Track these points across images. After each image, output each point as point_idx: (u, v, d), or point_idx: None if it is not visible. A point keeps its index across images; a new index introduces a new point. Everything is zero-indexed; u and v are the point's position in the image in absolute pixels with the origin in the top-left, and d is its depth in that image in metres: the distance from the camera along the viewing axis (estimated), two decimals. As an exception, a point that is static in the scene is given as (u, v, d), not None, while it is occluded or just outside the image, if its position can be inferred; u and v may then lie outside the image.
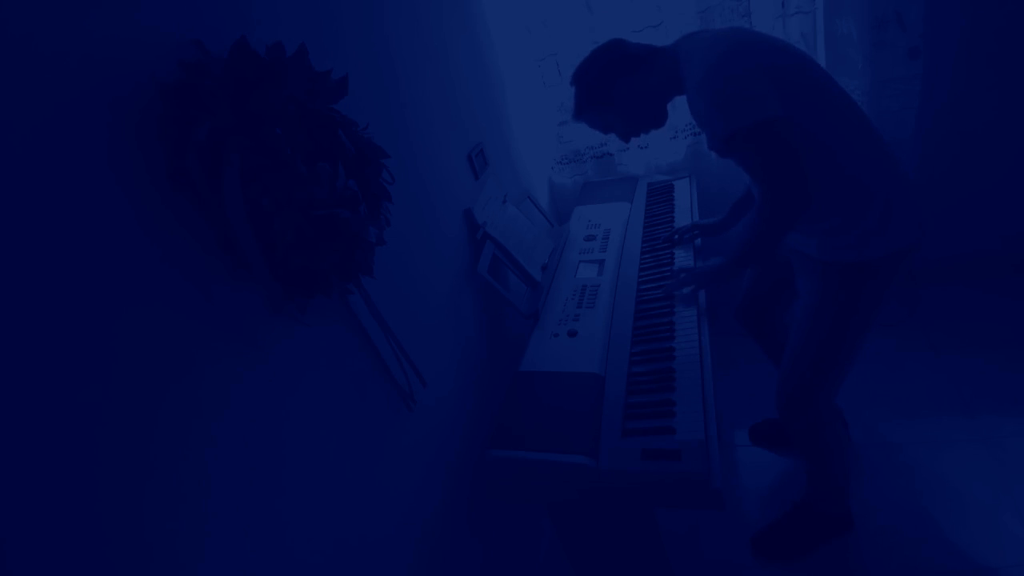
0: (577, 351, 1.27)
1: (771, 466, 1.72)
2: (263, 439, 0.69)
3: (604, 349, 1.26)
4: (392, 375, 0.97)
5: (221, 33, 0.67)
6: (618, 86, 1.23)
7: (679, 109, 1.94)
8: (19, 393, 0.45)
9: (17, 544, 0.43)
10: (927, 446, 1.61)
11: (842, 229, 1.12)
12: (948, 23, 1.68)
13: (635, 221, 1.76)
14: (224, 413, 0.64)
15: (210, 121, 0.58)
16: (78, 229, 0.51)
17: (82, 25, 0.53)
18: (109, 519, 0.50)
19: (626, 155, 2.10)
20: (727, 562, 1.50)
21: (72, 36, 0.52)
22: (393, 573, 0.92)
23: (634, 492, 1.01)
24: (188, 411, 0.59)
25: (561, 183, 2.21)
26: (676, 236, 1.58)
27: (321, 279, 0.73)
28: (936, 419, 1.68)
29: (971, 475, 1.51)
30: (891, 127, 1.76)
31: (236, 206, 0.60)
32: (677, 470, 0.95)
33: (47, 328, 0.47)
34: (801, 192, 1.04)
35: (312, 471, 0.77)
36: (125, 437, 0.52)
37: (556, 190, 2.24)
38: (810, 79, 1.09)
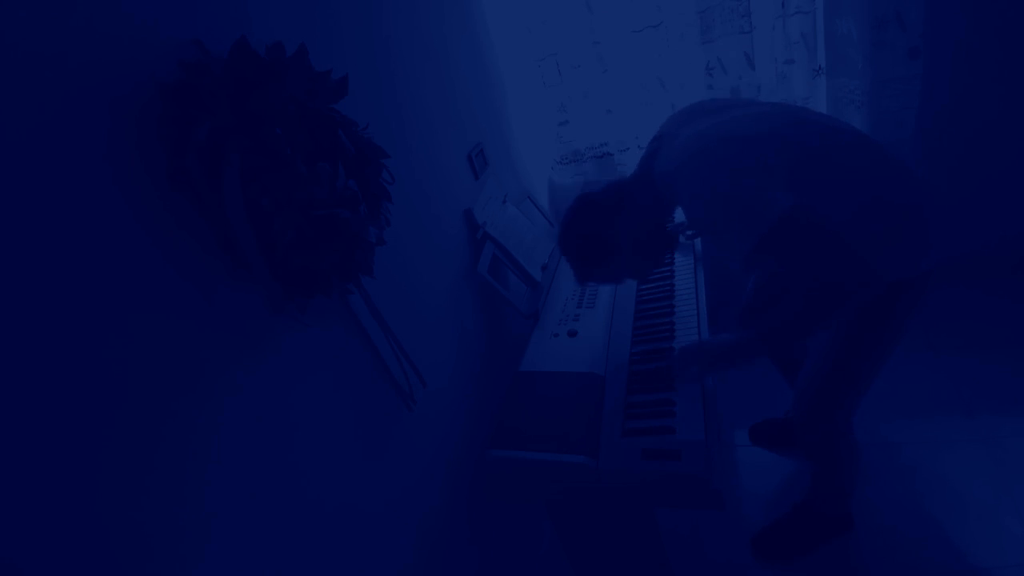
0: (577, 351, 1.27)
1: (771, 466, 1.71)
2: (263, 439, 0.69)
3: (604, 349, 1.26)
4: (392, 375, 0.97)
5: (221, 33, 0.67)
6: (610, 239, 1.16)
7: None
8: (19, 394, 0.45)
9: (21, 542, 0.43)
10: (927, 446, 1.61)
11: (878, 250, 1.02)
12: (948, 23, 1.68)
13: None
14: (224, 413, 0.64)
15: (210, 121, 0.58)
16: (78, 229, 0.51)
17: (82, 25, 0.53)
18: (111, 519, 0.50)
19: (626, 155, 2.10)
20: (727, 562, 1.50)
21: (72, 36, 0.52)
22: (392, 572, 0.92)
23: (634, 492, 1.01)
24: (188, 411, 0.59)
25: (561, 183, 2.21)
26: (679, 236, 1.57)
27: (321, 279, 0.73)
28: (936, 419, 1.68)
29: (971, 475, 1.51)
30: (891, 127, 1.76)
31: (236, 206, 0.60)
32: (677, 470, 0.95)
33: (46, 328, 0.47)
34: (858, 267, 0.96)
35: (312, 470, 0.77)
36: (125, 437, 0.52)
37: (556, 190, 2.24)
38: (802, 145, 1.01)
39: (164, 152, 0.59)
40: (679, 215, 1.68)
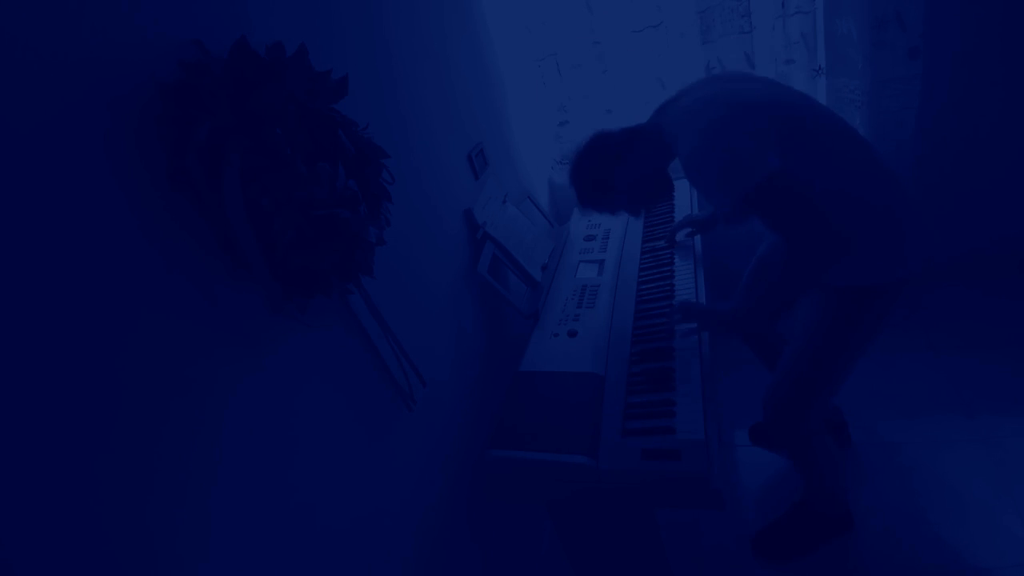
0: (577, 351, 1.27)
1: (771, 466, 1.71)
2: (263, 439, 0.69)
3: (604, 349, 1.26)
4: (392, 375, 0.97)
5: (221, 33, 0.67)
6: (615, 175, 1.27)
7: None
8: (19, 394, 0.45)
9: (24, 542, 0.43)
10: (927, 446, 1.61)
11: (859, 255, 1.08)
12: (948, 23, 1.68)
13: (635, 221, 1.76)
14: (224, 413, 0.64)
15: (210, 121, 0.58)
16: (78, 229, 0.51)
17: (82, 25, 0.53)
18: (113, 519, 0.50)
19: (626, 155, 2.10)
20: (727, 562, 1.50)
21: (72, 36, 0.52)
22: (391, 572, 0.92)
23: (634, 492, 1.01)
24: (189, 410, 0.59)
25: (561, 183, 2.21)
26: (675, 237, 1.58)
27: (321, 279, 0.73)
28: (936, 419, 1.68)
29: (971, 475, 1.51)
30: (891, 127, 1.76)
31: (236, 206, 0.60)
32: (677, 470, 0.95)
33: (47, 328, 0.47)
34: (830, 238, 1.00)
35: (312, 470, 0.77)
36: (126, 436, 0.52)
37: (556, 190, 2.24)
38: (799, 120, 1.07)
39: (164, 152, 0.59)
40: (681, 216, 1.70)
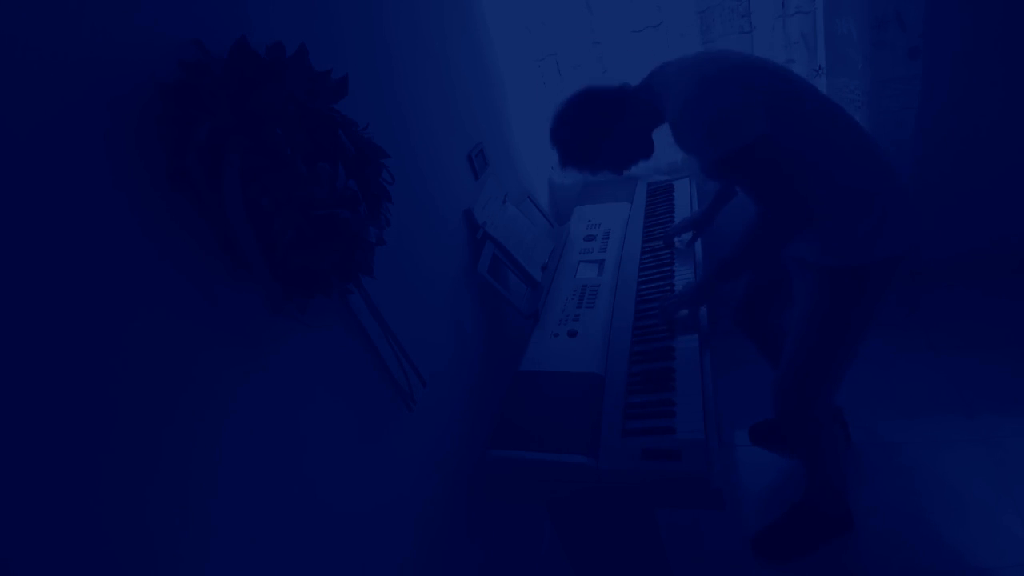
0: (577, 351, 1.27)
1: (771, 466, 1.71)
2: (263, 438, 0.69)
3: (604, 349, 1.26)
4: (392, 375, 0.97)
5: (221, 33, 0.67)
6: (603, 137, 1.25)
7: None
8: (19, 393, 0.45)
9: (23, 542, 0.43)
10: (927, 446, 1.61)
11: (838, 234, 1.12)
12: (948, 23, 1.68)
13: (635, 221, 1.76)
14: (224, 413, 0.64)
15: (210, 121, 0.58)
16: (78, 229, 0.51)
17: (82, 25, 0.53)
18: (114, 518, 0.50)
19: (626, 155, 2.10)
20: (727, 562, 1.50)
21: (72, 36, 0.52)
22: (393, 571, 0.92)
23: (634, 492, 1.01)
24: (189, 410, 0.59)
25: (561, 183, 2.21)
26: (675, 239, 1.58)
27: (321, 279, 0.73)
28: (936, 419, 1.68)
29: (971, 475, 1.51)
30: (891, 127, 1.76)
31: (236, 206, 0.60)
32: (677, 470, 0.95)
33: (47, 327, 0.47)
34: (799, 208, 1.04)
35: (312, 469, 0.77)
36: (126, 436, 0.52)
37: (556, 190, 2.24)
38: (789, 92, 1.08)
39: (164, 152, 0.59)
40: (680, 216, 1.70)
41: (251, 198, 0.61)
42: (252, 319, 0.70)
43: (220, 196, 0.59)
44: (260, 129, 0.62)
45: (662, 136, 1.94)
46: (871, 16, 1.63)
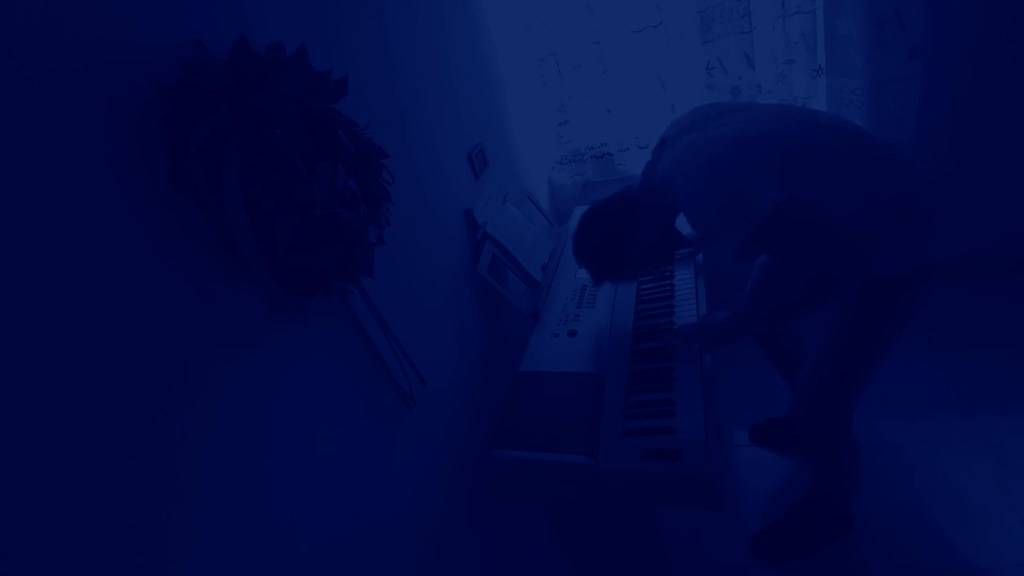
0: (577, 351, 1.27)
1: (771, 466, 1.72)
2: (263, 438, 0.69)
3: (604, 349, 1.26)
4: (392, 375, 0.97)
5: (221, 33, 0.67)
6: (625, 249, 1.24)
7: (681, 109, 1.94)
8: (19, 392, 0.45)
9: (11, 538, 0.43)
10: (927, 446, 1.61)
11: (885, 243, 1.04)
12: (948, 23, 1.68)
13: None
14: (224, 412, 0.64)
15: (210, 121, 0.58)
16: (80, 229, 0.51)
17: (82, 26, 0.53)
18: (108, 516, 0.50)
19: (626, 155, 2.10)
20: (727, 562, 1.50)
21: (72, 37, 0.52)
22: (394, 571, 0.92)
23: (634, 492, 1.01)
24: (188, 410, 0.59)
25: (561, 183, 2.21)
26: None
27: (321, 279, 0.73)
28: (936, 419, 1.68)
29: (971, 475, 1.51)
30: (891, 127, 1.76)
31: (236, 206, 0.60)
32: (677, 470, 0.95)
33: (48, 327, 0.47)
34: (850, 259, 0.98)
35: (312, 470, 0.77)
36: (123, 436, 0.52)
37: (556, 190, 2.24)
38: (805, 147, 1.03)
39: (164, 152, 0.59)
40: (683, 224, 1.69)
41: (251, 198, 0.61)
42: (252, 319, 0.70)
43: (220, 196, 0.59)
44: (260, 129, 0.62)
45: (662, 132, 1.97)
46: (871, 16, 1.63)
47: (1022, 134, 1.82)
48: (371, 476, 0.90)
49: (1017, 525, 1.38)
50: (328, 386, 0.83)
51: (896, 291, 1.09)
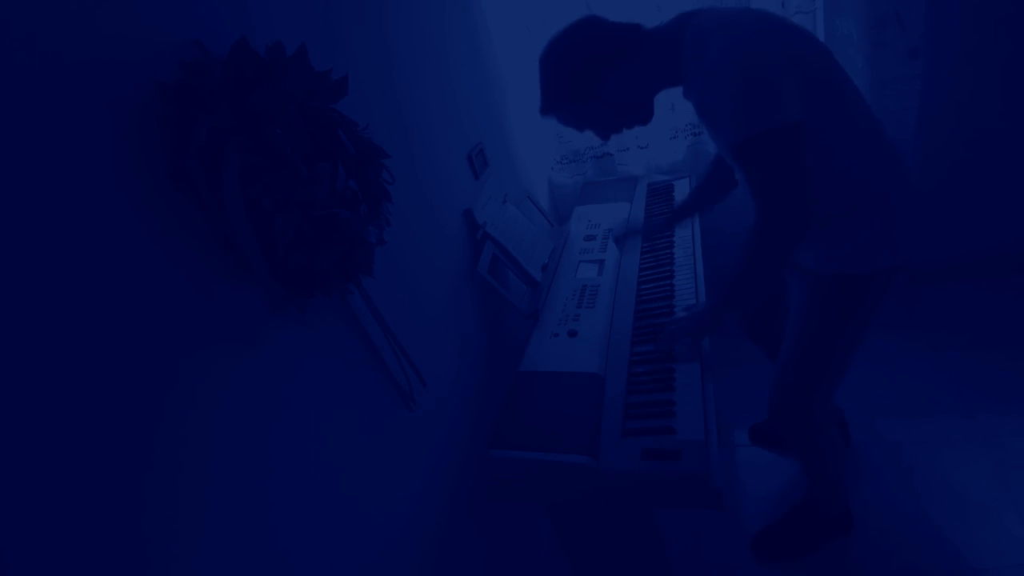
0: (577, 351, 1.27)
1: (771, 466, 1.72)
2: (263, 438, 0.69)
3: (604, 349, 1.26)
4: (392, 375, 0.97)
5: (221, 33, 0.67)
6: (607, 83, 1.05)
7: (681, 109, 1.94)
8: (19, 391, 0.45)
9: (16, 536, 0.43)
10: (927, 446, 1.61)
11: (841, 240, 1.05)
12: (948, 23, 1.68)
13: (635, 221, 1.76)
14: (224, 412, 0.64)
15: (210, 121, 0.58)
16: (80, 229, 0.51)
17: (82, 26, 0.53)
18: (107, 515, 0.50)
19: (626, 155, 2.10)
20: (727, 562, 1.50)
21: (72, 37, 0.52)
22: (397, 571, 0.92)
23: (634, 492, 1.01)
24: (187, 410, 0.59)
25: (561, 183, 2.21)
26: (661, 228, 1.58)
27: (321, 279, 0.73)
28: (936, 419, 1.68)
29: (971, 475, 1.51)
30: (891, 127, 1.75)
31: (236, 206, 0.60)
32: (677, 470, 0.95)
33: (48, 326, 0.47)
34: (798, 215, 0.94)
35: (312, 470, 0.77)
36: (123, 435, 0.52)
37: (556, 190, 2.24)
38: (828, 74, 0.96)
39: (164, 152, 0.59)
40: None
41: (251, 198, 0.61)
42: (252, 318, 0.70)
43: (220, 196, 0.59)
44: (260, 129, 0.62)
45: (664, 134, 1.97)
46: (871, 16, 1.63)
47: (1022, 134, 1.82)
48: (371, 476, 0.90)
49: (1017, 525, 1.38)
50: (328, 386, 0.83)
51: (857, 291, 1.09)
